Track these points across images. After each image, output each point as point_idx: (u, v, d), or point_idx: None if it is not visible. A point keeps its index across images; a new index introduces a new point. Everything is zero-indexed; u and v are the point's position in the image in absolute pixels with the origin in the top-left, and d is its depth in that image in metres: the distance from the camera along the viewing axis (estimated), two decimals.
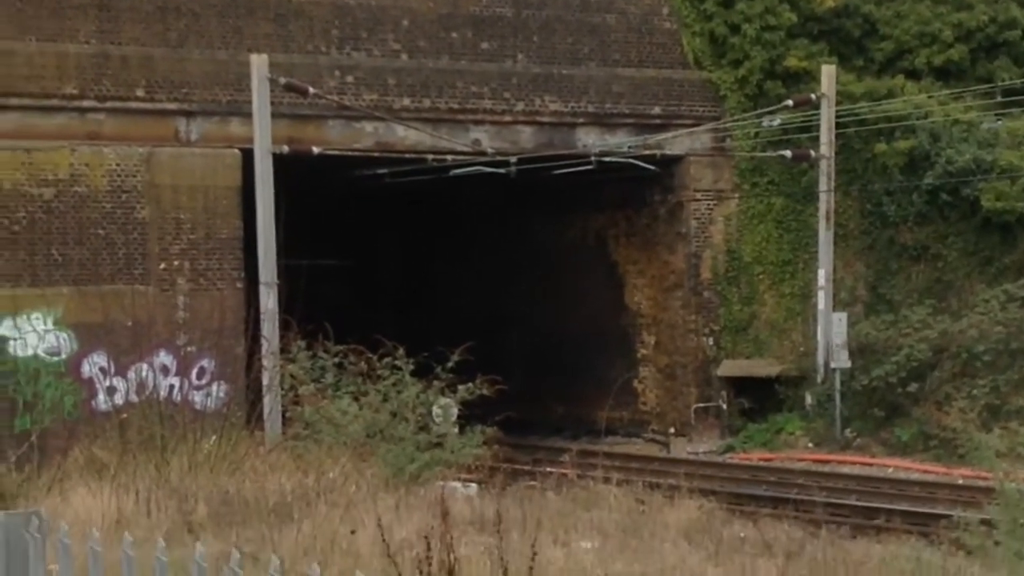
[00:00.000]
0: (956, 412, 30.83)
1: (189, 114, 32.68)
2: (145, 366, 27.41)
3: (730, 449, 36.46)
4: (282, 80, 32.15)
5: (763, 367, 37.68)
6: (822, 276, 36.66)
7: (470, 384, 22.52)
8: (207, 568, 5.38)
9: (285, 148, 32.35)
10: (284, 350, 25.47)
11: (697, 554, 16.71)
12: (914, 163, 37.15)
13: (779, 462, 33.81)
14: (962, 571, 16.11)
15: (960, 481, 29.61)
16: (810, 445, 35.39)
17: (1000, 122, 37.29)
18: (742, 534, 19.20)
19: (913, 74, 39.05)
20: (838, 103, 36.90)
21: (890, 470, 32.36)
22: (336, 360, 23.22)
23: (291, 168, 32.46)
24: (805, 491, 26.41)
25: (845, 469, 32.73)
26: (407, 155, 35.08)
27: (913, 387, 34.20)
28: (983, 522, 17.25)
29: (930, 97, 37.87)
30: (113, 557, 6.24)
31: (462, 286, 46.17)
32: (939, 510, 24.92)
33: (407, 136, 34.82)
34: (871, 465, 32.99)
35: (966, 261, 37.01)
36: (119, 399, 27.96)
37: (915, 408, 34.15)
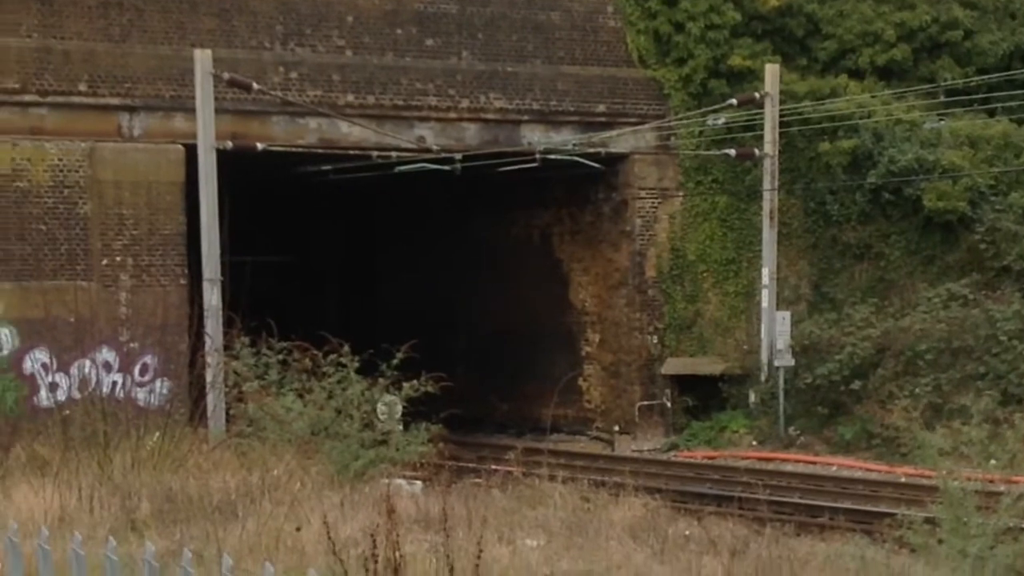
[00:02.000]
0: (899, 410, 30.86)
1: (132, 109, 32.46)
2: (88, 362, 27.26)
3: (674, 447, 36.54)
4: (226, 76, 31.96)
5: (707, 365, 37.77)
6: (766, 275, 36.78)
7: (415, 381, 22.51)
8: (157, 567, 5.32)
9: (229, 144, 32.17)
10: (228, 347, 25.36)
11: (642, 552, 16.72)
12: (857, 162, 37.32)
13: (723, 460, 33.91)
14: (906, 569, 16.20)
15: (903, 479, 29.77)
16: (754, 443, 35.50)
17: (942, 122, 37.50)
18: (687, 532, 19.23)
19: (856, 73, 39.22)
20: (782, 102, 37.02)
21: (834, 468, 32.49)
22: (280, 357, 23.16)
23: (235, 164, 32.30)
24: (749, 489, 26.44)
25: (789, 467, 32.85)
26: (351, 151, 34.97)
27: (856, 385, 34.36)
28: (926, 520, 17.34)
29: (873, 97, 38.03)
30: (59, 555, 6.16)
31: (407, 283, 46.09)
32: (882, 508, 25.05)
33: (351, 132, 34.71)
34: (815, 463, 33.12)
35: (908, 260, 37.21)
36: (61, 395, 27.79)
37: (858, 406, 34.31)
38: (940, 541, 16.71)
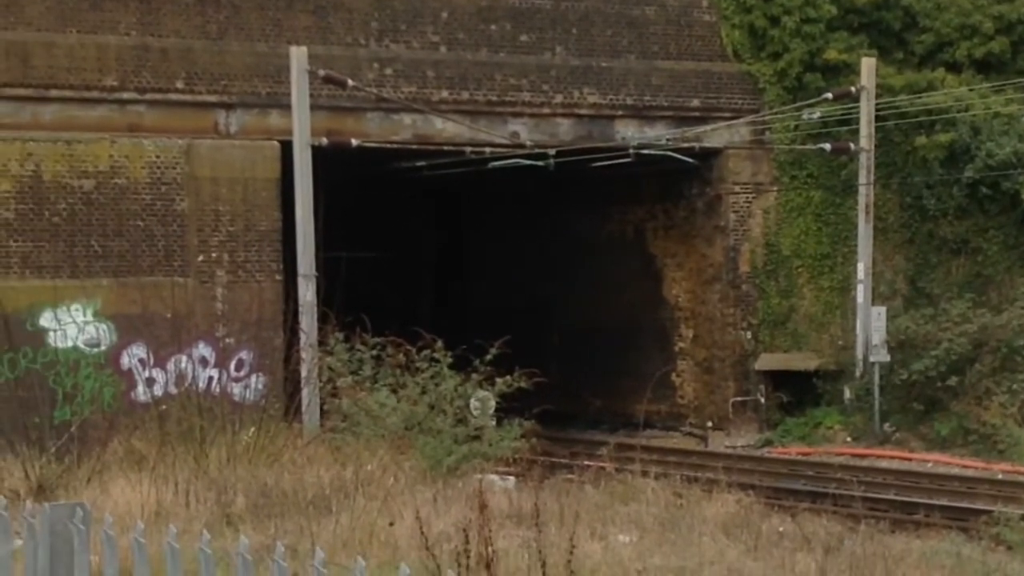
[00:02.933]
0: (996, 407, 30.66)
1: (228, 106, 32.75)
2: (184, 358, 27.58)
3: (768, 443, 36.37)
4: (321, 72, 32.15)
5: (801, 361, 37.56)
6: (861, 270, 36.51)
7: (508, 377, 22.56)
8: (251, 560, 5.39)
9: (324, 140, 32.37)
10: (322, 342, 25.55)
11: (736, 548, 16.67)
12: (954, 156, 36.96)
13: (817, 456, 33.70)
14: (1003, 566, 16.06)
15: (1000, 476, 29.48)
16: (848, 439, 35.27)
17: None
18: (781, 528, 19.15)
19: (953, 67, 38.84)
20: (878, 96, 36.73)
21: (929, 465, 32.23)
22: (374, 352, 23.28)
23: (330, 160, 32.51)
24: (844, 485, 26.28)
25: (884, 463, 32.61)
26: (445, 147, 35.08)
27: (952, 381, 34.02)
28: (1023, 518, 17.19)
29: (971, 90, 37.65)
30: (155, 548, 6.25)
31: (501, 278, 46.16)
32: (979, 505, 24.82)
33: (445, 128, 34.82)
34: (910, 460, 32.87)
35: (1007, 255, 36.82)
36: (158, 391, 28.09)
37: (954, 403, 33.98)
38: None
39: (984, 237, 37.02)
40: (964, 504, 26.20)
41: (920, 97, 37.13)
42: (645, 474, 22.03)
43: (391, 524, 14.18)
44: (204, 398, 21.72)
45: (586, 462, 25.94)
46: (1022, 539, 16.76)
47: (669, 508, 19.75)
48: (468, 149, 34.93)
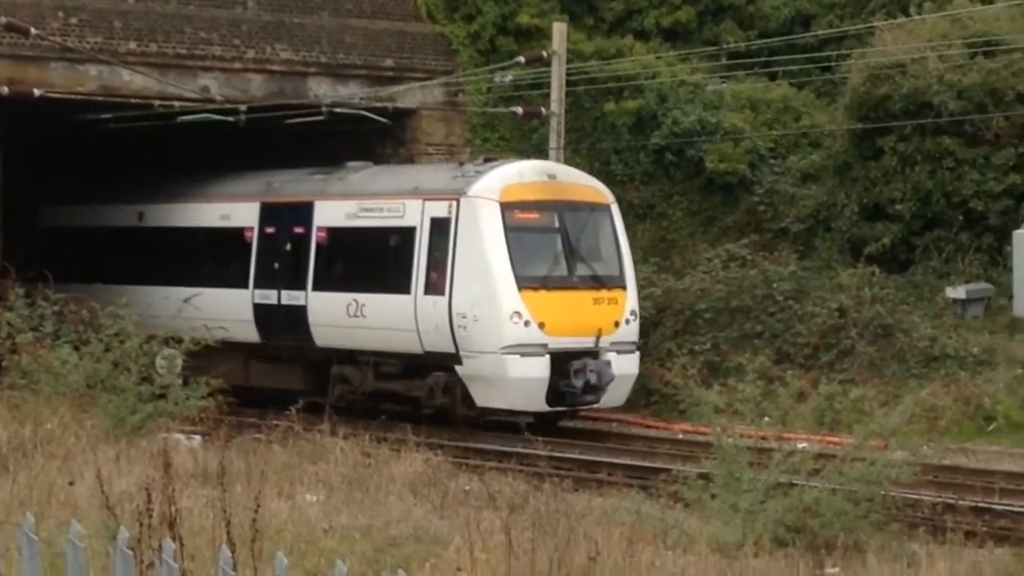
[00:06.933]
0: (678, 368, 31.40)
1: None
2: None
3: None
4: (2, 20, 31.19)
5: None
6: None
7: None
8: None
9: (5, 90, 31.44)
10: (1, 297, 24.81)
11: (423, 507, 16.81)
12: (642, 123, 37.70)
13: (506, 416, 34.02)
14: (679, 523, 16.51)
15: (680, 436, 30.23)
16: None
17: (725, 84, 38.08)
18: (467, 487, 19.35)
19: (642, 35, 39.59)
20: (569, 61, 37.17)
21: (614, 425, 32.87)
22: (56, 308, 22.73)
23: (13, 110, 31.52)
24: (530, 445, 26.64)
25: (569, 423, 33.12)
26: (133, 100, 34.29)
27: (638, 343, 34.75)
28: (701, 476, 17.70)
29: (658, 58, 38.45)
30: None
31: None
32: (659, 464, 25.41)
33: (133, 80, 34.05)
34: (596, 420, 33.45)
35: (690, 221, 37.77)
36: None
37: (639, 364, 34.68)
38: (713, 496, 17.07)
39: (669, 203, 37.88)
40: (645, 463, 26.78)
41: (609, 63, 37.75)
42: (334, 433, 22.00)
43: (71, 483, 13.87)
44: None
45: (275, 421, 25.70)
46: (699, 497, 17.25)
47: (357, 467, 19.79)
48: (157, 102, 34.19)
